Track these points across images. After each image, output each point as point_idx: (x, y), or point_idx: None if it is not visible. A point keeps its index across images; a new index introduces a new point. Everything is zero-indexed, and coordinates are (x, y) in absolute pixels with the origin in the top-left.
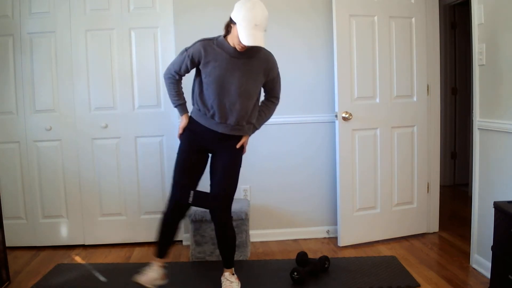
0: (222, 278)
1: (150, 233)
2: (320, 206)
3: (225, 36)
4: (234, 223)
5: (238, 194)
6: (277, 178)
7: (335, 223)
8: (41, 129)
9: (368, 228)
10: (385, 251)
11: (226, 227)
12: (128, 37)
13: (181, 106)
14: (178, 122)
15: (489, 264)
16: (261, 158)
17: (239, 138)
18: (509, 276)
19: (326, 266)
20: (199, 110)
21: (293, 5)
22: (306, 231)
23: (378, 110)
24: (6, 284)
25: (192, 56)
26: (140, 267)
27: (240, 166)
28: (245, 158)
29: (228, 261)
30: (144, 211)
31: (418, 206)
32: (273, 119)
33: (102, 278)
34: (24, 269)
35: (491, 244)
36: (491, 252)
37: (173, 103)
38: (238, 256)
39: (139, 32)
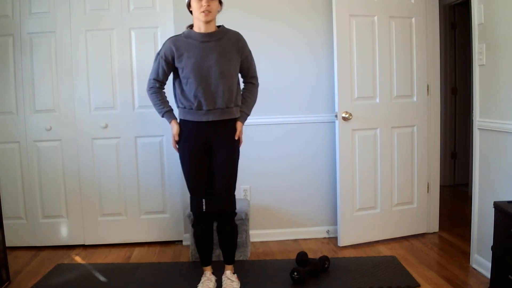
0: (223, 277)
1: (150, 233)
2: (320, 206)
3: (191, 27)
4: None
5: (238, 194)
6: (277, 178)
7: (335, 223)
8: (41, 129)
9: (368, 228)
10: (385, 251)
11: (229, 222)
12: (128, 37)
13: (167, 113)
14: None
15: (489, 264)
16: (261, 158)
17: (232, 125)
18: (509, 276)
19: (326, 266)
20: (184, 108)
21: (293, 5)
22: (306, 231)
23: (378, 110)
24: (6, 284)
25: (165, 56)
26: (140, 267)
27: (238, 159)
28: (245, 158)
29: (230, 257)
30: (144, 211)
31: (418, 206)
32: (273, 119)
33: (102, 278)
34: (24, 269)
35: (491, 244)
36: (491, 252)
37: (159, 112)
38: (238, 256)
39: (139, 32)
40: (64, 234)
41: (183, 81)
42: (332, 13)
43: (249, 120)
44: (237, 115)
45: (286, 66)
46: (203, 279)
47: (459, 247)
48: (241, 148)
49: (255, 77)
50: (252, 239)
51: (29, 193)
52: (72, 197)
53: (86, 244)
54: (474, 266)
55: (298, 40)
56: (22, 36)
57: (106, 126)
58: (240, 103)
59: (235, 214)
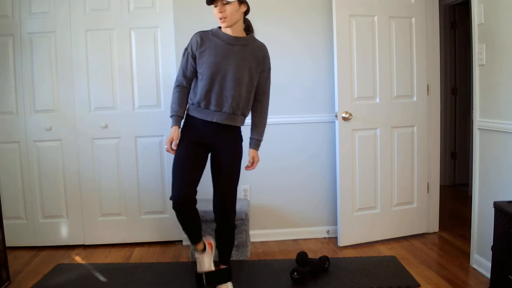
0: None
1: (150, 233)
2: (320, 206)
3: (220, 27)
4: None
5: (238, 194)
6: (277, 178)
7: (335, 223)
8: (41, 129)
9: (368, 228)
10: (385, 251)
11: (229, 226)
12: (128, 37)
13: (176, 117)
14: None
15: (489, 264)
16: (261, 158)
17: (236, 133)
18: (509, 276)
19: (326, 266)
20: (193, 104)
21: (293, 5)
22: (306, 231)
23: (378, 110)
24: (6, 284)
25: (191, 49)
26: (140, 267)
27: (239, 166)
28: (244, 157)
29: (226, 258)
30: (144, 211)
31: (418, 206)
32: (273, 119)
33: (102, 278)
34: (24, 269)
35: (491, 244)
36: (491, 252)
37: (171, 112)
38: (238, 256)
39: (139, 32)
40: (64, 234)
41: (199, 77)
42: (332, 13)
43: (249, 120)
44: (241, 124)
45: (286, 66)
46: (197, 257)
47: (459, 247)
48: None
49: (266, 97)
50: (252, 239)
51: (29, 193)
52: (72, 197)
53: (86, 244)
54: (474, 266)
55: (298, 40)
56: (22, 36)
57: (106, 126)
58: (246, 113)
59: (235, 216)
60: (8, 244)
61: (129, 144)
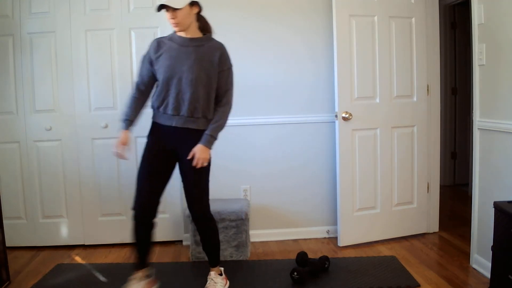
0: (208, 277)
1: None
2: (320, 206)
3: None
4: (234, 223)
5: (238, 194)
6: (277, 178)
7: (335, 223)
8: (41, 129)
9: (368, 228)
10: (385, 251)
11: (207, 229)
12: (128, 37)
13: (126, 121)
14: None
15: (489, 264)
16: (261, 158)
17: (197, 137)
18: (509, 276)
19: (326, 266)
20: (153, 109)
21: (293, 5)
22: (306, 231)
23: (378, 110)
24: (6, 284)
25: (149, 54)
26: None
27: (207, 169)
28: (244, 157)
29: (212, 260)
30: None
31: (418, 206)
32: (273, 119)
33: (102, 278)
34: (24, 269)
35: (491, 244)
36: (491, 252)
37: (122, 115)
38: (238, 256)
39: (139, 32)
40: (64, 234)
41: (158, 82)
42: (332, 13)
43: (249, 120)
44: (204, 127)
45: (286, 66)
46: (131, 280)
47: (459, 247)
48: (240, 148)
49: (227, 96)
50: (252, 239)
51: (29, 193)
52: (72, 197)
53: (86, 244)
54: (474, 266)
55: (298, 40)
56: (22, 36)
57: (106, 126)
58: (209, 116)
59: (211, 217)
60: (8, 244)
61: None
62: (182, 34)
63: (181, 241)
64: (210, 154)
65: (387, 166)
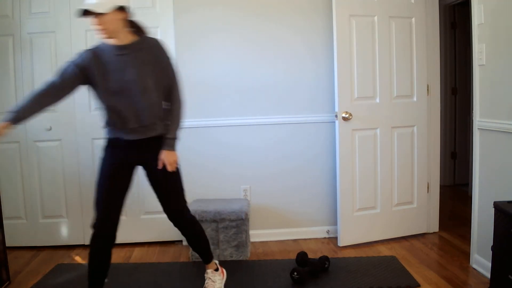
0: (205, 276)
1: (150, 233)
2: (320, 206)
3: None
4: (234, 223)
5: (238, 194)
6: (277, 178)
7: (335, 223)
8: (41, 129)
9: (368, 228)
10: (385, 251)
11: (192, 228)
12: None
13: (16, 116)
14: None
15: (489, 264)
16: (261, 158)
17: (159, 142)
18: (509, 276)
19: (326, 266)
20: (108, 126)
21: (293, 5)
22: (306, 231)
23: (378, 110)
24: (6, 284)
25: (83, 63)
26: (140, 267)
27: (178, 171)
28: (244, 157)
29: (203, 256)
30: (144, 211)
31: (418, 206)
32: (273, 119)
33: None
34: (24, 269)
35: (491, 244)
36: (491, 252)
37: (13, 108)
38: (238, 256)
39: None
40: (64, 234)
41: (104, 98)
42: (332, 13)
43: (249, 120)
44: (163, 130)
45: (286, 66)
46: None
47: (459, 247)
48: (240, 147)
49: (174, 92)
50: (252, 239)
51: (29, 193)
52: (72, 197)
53: (86, 244)
54: (474, 266)
55: (298, 40)
56: (22, 36)
57: None
58: (167, 121)
59: (192, 217)
60: (8, 244)
61: None
62: (115, 42)
63: (181, 241)
64: (176, 155)
65: (387, 166)
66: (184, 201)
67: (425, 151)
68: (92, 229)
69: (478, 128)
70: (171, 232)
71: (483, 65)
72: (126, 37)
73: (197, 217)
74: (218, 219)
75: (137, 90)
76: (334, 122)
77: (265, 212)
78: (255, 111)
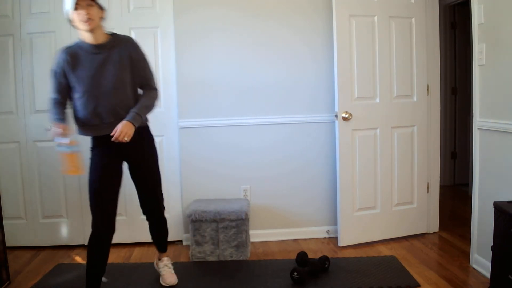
0: (161, 265)
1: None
2: (320, 206)
3: (80, 40)
4: (234, 223)
5: (238, 194)
6: (277, 178)
7: (335, 223)
8: (41, 129)
9: (368, 228)
10: (385, 251)
11: (162, 222)
12: None
13: (61, 120)
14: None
15: (489, 264)
16: (261, 157)
17: (143, 133)
18: (509, 276)
19: (326, 266)
20: (84, 125)
21: (293, 5)
22: (306, 231)
23: (378, 110)
24: (6, 284)
25: (62, 68)
26: (140, 267)
27: (157, 163)
28: (244, 157)
29: (163, 245)
30: None
31: (418, 206)
32: (273, 119)
33: (102, 278)
34: (24, 269)
35: (491, 244)
36: (491, 252)
37: (53, 117)
38: (238, 256)
39: (139, 32)
40: (64, 234)
41: (78, 94)
42: (332, 13)
43: (249, 120)
44: (144, 123)
45: (286, 66)
46: None
47: (459, 247)
48: (240, 147)
49: (151, 85)
50: (252, 239)
51: (29, 193)
52: (72, 197)
53: (86, 244)
54: (474, 266)
55: (299, 40)
56: (22, 36)
57: None
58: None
59: (163, 208)
60: (8, 244)
61: None
62: (90, 41)
63: (181, 241)
64: (155, 148)
65: (387, 166)
66: (162, 193)
67: (425, 151)
68: (92, 228)
69: (478, 128)
70: (171, 232)
71: (483, 65)
72: (101, 35)
73: (197, 217)
74: (218, 219)
75: (112, 87)
76: (334, 122)
77: (265, 212)
78: (255, 111)
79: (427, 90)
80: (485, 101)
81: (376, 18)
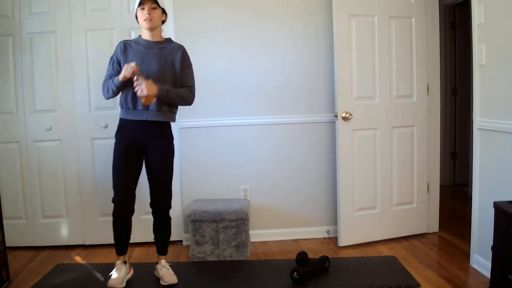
0: (159, 266)
1: (150, 233)
2: (320, 206)
3: (140, 36)
4: (234, 223)
5: (238, 194)
6: (277, 178)
7: (335, 223)
8: (41, 129)
9: (368, 228)
10: (385, 251)
11: (166, 220)
12: (128, 37)
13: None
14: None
15: (489, 264)
16: (261, 158)
17: (166, 130)
18: (509, 276)
19: (326, 266)
20: (122, 107)
21: (293, 5)
22: (306, 231)
23: (378, 110)
24: (6, 284)
25: (116, 56)
26: (140, 267)
27: (172, 163)
28: (244, 157)
29: (164, 249)
30: (143, 211)
31: (418, 206)
32: (273, 119)
33: (102, 278)
34: (24, 269)
35: (491, 244)
36: (491, 252)
37: (113, 82)
38: (238, 256)
39: (139, 32)
40: (64, 234)
41: (125, 81)
42: (332, 13)
43: (249, 120)
44: (170, 119)
45: (286, 66)
46: (115, 267)
47: (459, 247)
48: (240, 147)
49: (191, 86)
50: (252, 239)
51: (29, 193)
52: (72, 197)
53: (86, 244)
54: (474, 266)
55: (299, 39)
56: (22, 36)
57: (106, 126)
58: (175, 110)
59: (170, 208)
60: (8, 244)
61: None
62: (147, 37)
63: (181, 241)
64: (173, 147)
65: (387, 166)
66: (171, 192)
67: (425, 151)
68: (113, 202)
69: (478, 128)
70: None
71: (483, 65)
72: (158, 36)
73: (197, 217)
74: (218, 219)
75: (154, 79)
76: (334, 122)
77: (265, 212)
78: (255, 111)
79: (427, 90)
80: (485, 101)
81: (376, 18)
